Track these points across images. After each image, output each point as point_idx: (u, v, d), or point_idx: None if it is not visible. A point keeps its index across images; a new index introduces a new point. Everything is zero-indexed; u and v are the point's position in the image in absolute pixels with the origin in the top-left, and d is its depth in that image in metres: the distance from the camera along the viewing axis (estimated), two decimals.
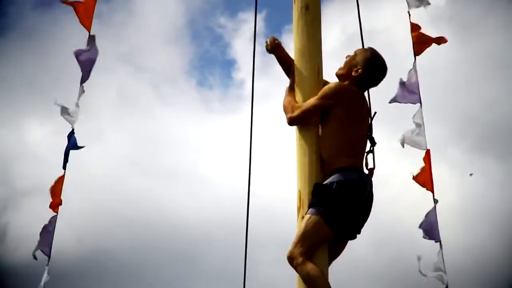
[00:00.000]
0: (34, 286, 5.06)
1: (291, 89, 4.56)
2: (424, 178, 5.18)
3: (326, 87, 4.41)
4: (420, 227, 5.13)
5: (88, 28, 5.39)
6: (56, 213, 5.20)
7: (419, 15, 4.74)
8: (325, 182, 4.26)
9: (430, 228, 5.13)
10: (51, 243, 5.13)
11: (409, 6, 5.26)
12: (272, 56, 4.68)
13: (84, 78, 5.33)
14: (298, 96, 4.48)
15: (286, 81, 4.57)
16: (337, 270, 4.29)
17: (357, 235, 4.40)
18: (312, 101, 4.40)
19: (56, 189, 5.22)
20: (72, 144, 5.27)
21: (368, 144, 4.49)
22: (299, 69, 4.53)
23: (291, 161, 4.47)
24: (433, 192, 5.15)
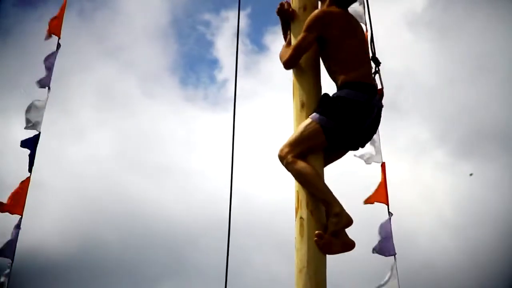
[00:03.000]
0: (26, 279, 5.08)
1: (287, 45, 4.59)
2: (380, 192, 5.17)
3: (308, 18, 4.43)
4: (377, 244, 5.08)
5: (59, 35, 5.49)
6: (21, 216, 5.21)
7: (397, 20, 4.75)
8: (333, 94, 4.31)
9: (385, 243, 5.12)
10: (15, 247, 5.14)
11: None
12: (257, 56, 4.74)
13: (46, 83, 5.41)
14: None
15: (271, 81, 4.63)
16: (334, 270, 4.30)
17: (360, 148, 4.46)
18: (300, 37, 4.43)
19: (22, 192, 5.22)
20: (33, 145, 5.29)
21: (373, 65, 4.56)
22: (296, 67, 4.54)
23: None
24: (388, 205, 5.15)
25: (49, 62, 5.46)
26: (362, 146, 4.47)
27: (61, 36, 5.61)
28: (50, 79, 5.44)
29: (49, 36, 5.54)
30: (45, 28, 5.58)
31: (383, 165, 5.17)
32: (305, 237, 4.19)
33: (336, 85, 4.39)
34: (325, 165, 4.41)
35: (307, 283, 4.12)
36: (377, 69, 4.56)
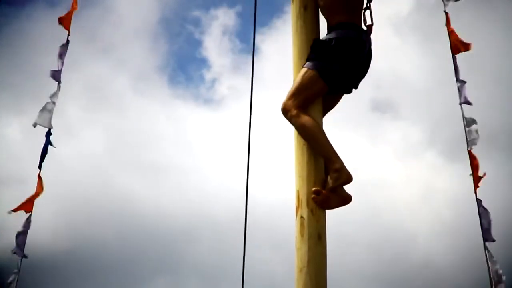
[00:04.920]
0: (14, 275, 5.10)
1: None
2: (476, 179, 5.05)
3: None
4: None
5: (68, 29, 5.53)
6: (30, 212, 5.23)
7: (382, 23, 4.74)
8: (323, 38, 4.39)
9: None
10: (24, 243, 5.17)
11: (444, 5, 5.23)
12: (247, 56, 4.80)
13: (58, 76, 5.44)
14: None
15: (262, 81, 4.65)
16: (334, 270, 4.30)
17: (354, 89, 4.52)
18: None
19: (35, 191, 5.26)
20: (48, 143, 5.33)
21: (365, 1, 4.59)
22: (297, 68, 4.54)
23: (289, 160, 4.48)
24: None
25: (61, 56, 5.52)
26: (356, 87, 4.53)
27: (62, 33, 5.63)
28: (60, 73, 5.49)
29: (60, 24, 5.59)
30: (38, 25, 5.64)
31: (469, 152, 5.07)
32: (305, 237, 4.18)
33: (329, 25, 4.46)
34: (324, 114, 4.48)
35: (308, 283, 4.11)
36: (368, 5, 4.60)
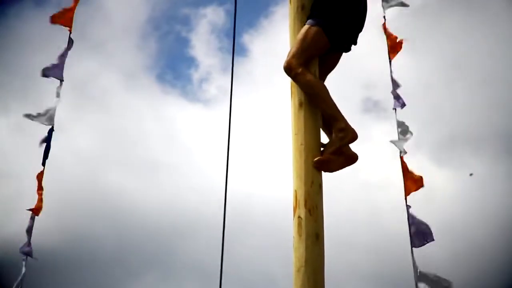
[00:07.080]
0: (11, 274, 5.11)
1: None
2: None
3: None
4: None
5: (70, 28, 5.54)
6: (36, 215, 5.24)
7: (365, 29, 4.73)
8: None
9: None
10: (30, 242, 5.18)
11: (384, 9, 5.29)
12: (236, 56, 4.89)
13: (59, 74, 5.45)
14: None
15: (251, 79, 4.69)
16: (332, 269, 4.30)
17: (352, 46, 4.54)
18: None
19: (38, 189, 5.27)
20: (50, 140, 5.36)
21: None
22: None
23: (287, 159, 4.48)
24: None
25: (62, 55, 5.54)
26: (355, 44, 4.55)
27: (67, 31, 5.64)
28: (62, 71, 5.51)
29: (55, 23, 5.58)
30: (47, 15, 5.59)
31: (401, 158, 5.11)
32: (303, 236, 4.18)
33: None
34: (325, 75, 4.54)
35: (305, 283, 4.11)
36: None
